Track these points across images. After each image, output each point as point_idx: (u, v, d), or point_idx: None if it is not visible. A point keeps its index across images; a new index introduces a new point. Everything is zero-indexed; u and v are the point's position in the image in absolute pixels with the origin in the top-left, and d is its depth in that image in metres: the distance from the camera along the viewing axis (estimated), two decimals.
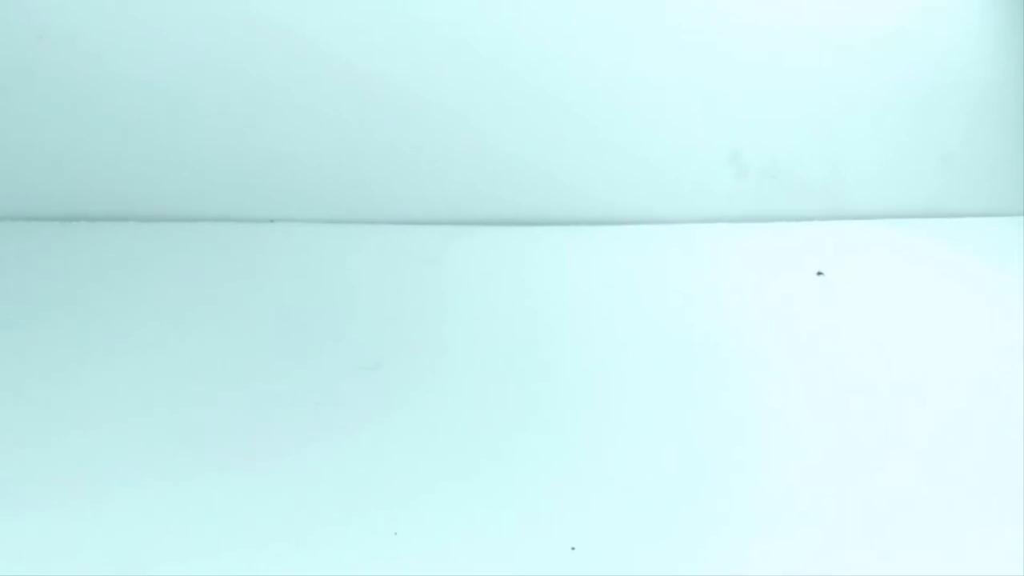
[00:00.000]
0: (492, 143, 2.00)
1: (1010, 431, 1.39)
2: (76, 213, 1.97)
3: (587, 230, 1.99)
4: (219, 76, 1.94)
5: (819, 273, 1.83)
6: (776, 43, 1.99)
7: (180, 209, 1.98)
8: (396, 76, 1.96)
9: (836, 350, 1.60)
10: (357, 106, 1.97)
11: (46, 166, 1.97)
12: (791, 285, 1.81)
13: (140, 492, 1.27)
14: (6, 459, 1.32)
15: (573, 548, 1.19)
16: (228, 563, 1.16)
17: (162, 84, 1.94)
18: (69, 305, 1.69)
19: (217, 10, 1.92)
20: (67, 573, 1.14)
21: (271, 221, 1.98)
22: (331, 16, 1.93)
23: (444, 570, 1.16)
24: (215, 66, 1.94)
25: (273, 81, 1.95)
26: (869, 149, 2.05)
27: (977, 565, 1.17)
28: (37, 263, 1.82)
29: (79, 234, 1.93)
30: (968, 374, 1.54)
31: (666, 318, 1.70)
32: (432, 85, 1.97)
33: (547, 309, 1.73)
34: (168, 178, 1.98)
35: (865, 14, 1.99)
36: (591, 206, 2.02)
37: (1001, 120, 2.04)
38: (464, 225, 1.99)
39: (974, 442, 1.38)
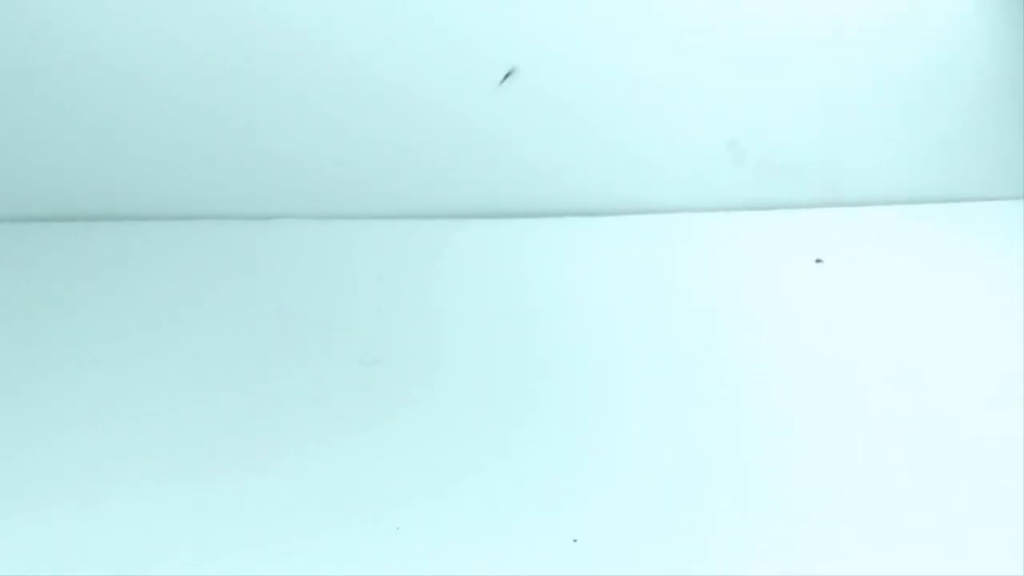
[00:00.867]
0: (488, 137, 2.00)
1: (1011, 415, 1.40)
2: (74, 213, 1.97)
3: (585, 221, 1.99)
4: (216, 75, 1.94)
5: (818, 261, 1.83)
6: (772, 30, 1.99)
7: (177, 208, 1.98)
8: (391, 72, 1.96)
9: (836, 338, 1.61)
10: (353, 103, 1.97)
11: (42, 167, 1.97)
12: (790, 273, 1.81)
13: (140, 491, 1.27)
14: (5, 459, 1.33)
15: (575, 540, 1.19)
16: (229, 561, 1.16)
17: (160, 83, 1.94)
18: (67, 305, 1.70)
19: (214, 8, 1.92)
20: (67, 573, 1.14)
21: (268, 218, 1.98)
22: (327, 13, 1.93)
23: (446, 565, 1.16)
24: (212, 65, 1.94)
25: (270, 79, 1.95)
26: (867, 135, 2.04)
27: (983, 552, 1.18)
28: (34, 264, 1.83)
29: (76, 234, 1.93)
30: (968, 359, 1.54)
31: (665, 307, 1.70)
32: (428, 81, 1.97)
33: (546, 301, 1.73)
34: (165, 177, 1.98)
35: (863, 1, 1.99)
36: (588, 197, 2.02)
37: (999, 105, 2.04)
38: (462, 218, 1.99)
39: (975, 427, 1.38)
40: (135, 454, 1.33)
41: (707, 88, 2.00)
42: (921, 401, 1.45)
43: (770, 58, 1.99)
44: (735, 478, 1.30)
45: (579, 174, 2.02)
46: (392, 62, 1.96)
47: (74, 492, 1.27)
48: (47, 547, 1.18)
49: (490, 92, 1.97)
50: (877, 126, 2.04)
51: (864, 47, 2.00)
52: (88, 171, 1.98)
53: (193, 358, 1.55)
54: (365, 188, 2.00)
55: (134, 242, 1.90)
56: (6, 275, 1.79)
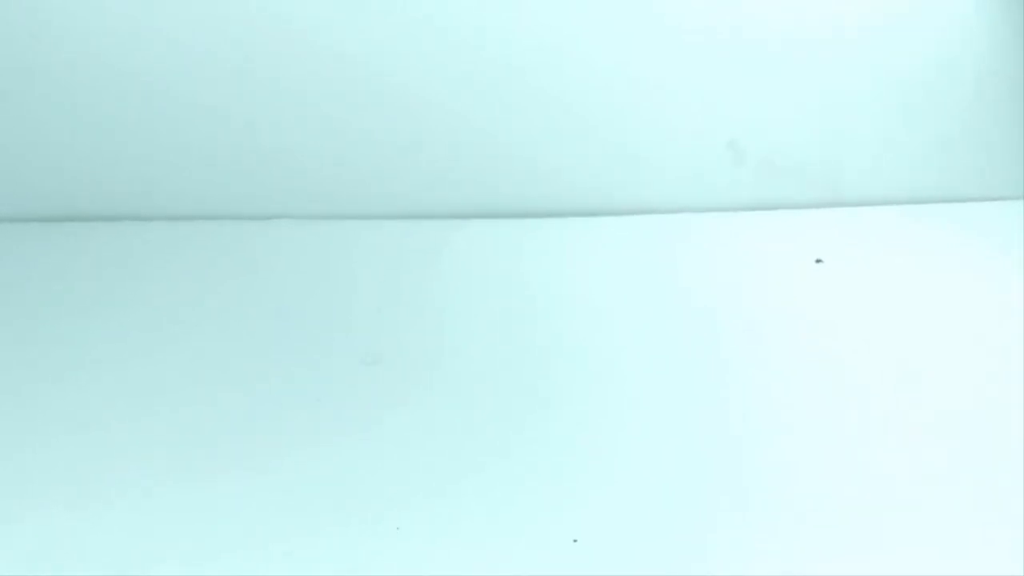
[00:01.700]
0: (488, 136, 2.00)
1: (1011, 414, 1.40)
2: (74, 214, 1.98)
3: (585, 221, 2.00)
4: (217, 75, 1.95)
5: (818, 261, 1.84)
6: (773, 31, 1.99)
7: (178, 208, 1.99)
8: (391, 73, 1.97)
9: (836, 337, 1.61)
10: (354, 104, 1.98)
11: (43, 167, 1.98)
12: (790, 273, 1.81)
13: (140, 491, 1.27)
14: (5, 460, 1.33)
15: (575, 540, 1.19)
16: (230, 561, 1.16)
17: (160, 83, 1.95)
18: (68, 305, 1.71)
19: (215, 8, 1.93)
20: (69, 574, 1.14)
21: (268, 218, 1.99)
22: (327, 13, 1.94)
23: (446, 565, 1.16)
24: (212, 65, 1.94)
25: (270, 80, 1.96)
26: (867, 136, 2.05)
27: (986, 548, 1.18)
28: (35, 264, 1.84)
29: (77, 234, 1.94)
30: (968, 358, 1.54)
31: (665, 307, 1.71)
32: (427, 81, 1.98)
33: (546, 301, 1.74)
34: (166, 177, 1.99)
35: (863, 1, 1.99)
36: (588, 197, 2.02)
37: (999, 105, 2.04)
38: (462, 219, 2.00)
39: (974, 426, 1.38)
40: (136, 454, 1.34)
41: (707, 89, 2.01)
42: (921, 399, 1.45)
43: (770, 59, 2.00)
44: (734, 478, 1.30)
45: (579, 174, 2.02)
46: (393, 63, 1.96)
47: (75, 492, 1.27)
48: (48, 547, 1.19)
49: (488, 92, 1.98)
50: (877, 126, 2.04)
51: (864, 47, 2.01)
52: (88, 171, 1.99)
53: (194, 358, 1.55)
54: (365, 188, 2.01)
55: (134, 242, 1.91)
56: (6, 275, 1.80)
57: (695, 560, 1.17)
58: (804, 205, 2.04)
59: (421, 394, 1.47)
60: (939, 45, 2.02)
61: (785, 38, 2.00)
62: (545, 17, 1.96)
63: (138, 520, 1.22)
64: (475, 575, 1.14)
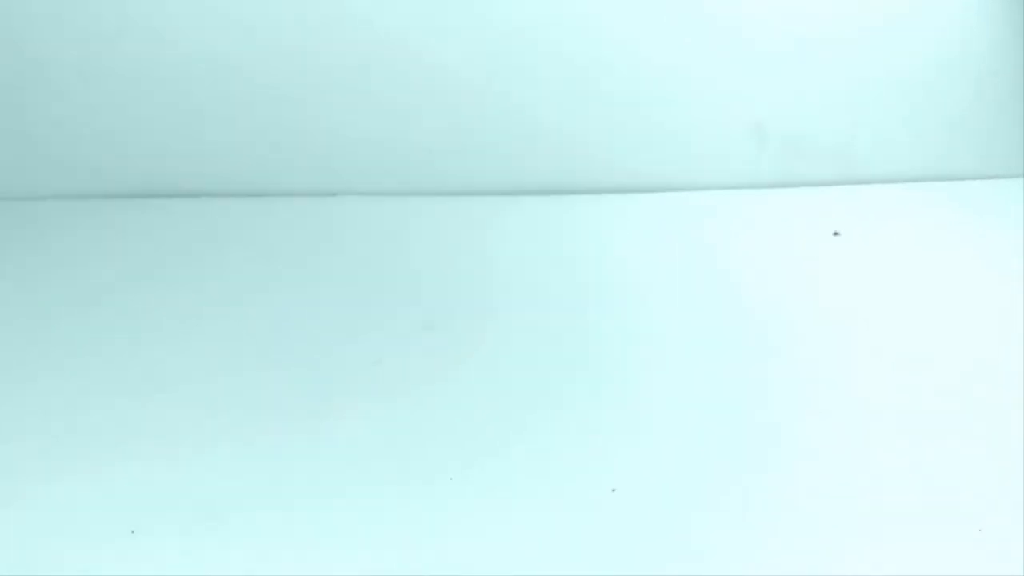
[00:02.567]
0: (533, 121, 2.02)
1: (1014, 383, 1.41)
2: (153, 190, 2.00)
3: (621, 198, 1.99)
4: (289, 65, 1.97)
5: (835, 233, 1.87)
6: (795, 20, 2.01)
7: (251, 185, 2.00)
8: (446, 62, 1.98)
9: (852, 302, 1.63)
10: (412, 91, 1.99)
11: (128, 146, 2.00)
12: (810, 244, 1.83)
13: (220, 444, 1.30)
14: (104, 412, 1.36)
15: (614, 490, 1.21)
16: (298, 509, 1.19)
17: (236, 69, 1.97)
18: (147, 279, 1.72)
19: (288, 2, 1.96)
20: (152, 522, 1.17)
21: (334, 195, 2.01)
22: (390, 6, 1.97)
23: (495, 513, 1.18)
24: (281, 53, 1.96)
25: (336, 68, 1.97)
26: (882, 118, 2.06)
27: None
28: (117, 239, 1.84)
29: (160, 210, 1.94)
30: (974, 327, 1.55)
31: (696, 276, 1.72)
32: (479, 69, 2.00)
33: (587, 271, 1.74)
34: (240, 157, 2.01)
35: None
36: (624, 175, 2.03)
37: (1001, 92, 2.06)
38: (510, 195, 2.01)
39: (981, 395, 1.39)
40: (217, 410, 1.36)
41: (734, 76, 2.01)
42: (930, 363, 1.46)
43: (793, 48, 2.01)
44: (760, 431, 1.32)
45: (616, 154, 2.03)
46: (447, 53, 1.98)
47: (162, 445, 1.30)
48: (139, 494, 1.21)
49: (535, 78, 2.00)
50: (888, 110, 2.05)
51: (877, 39, 2.01)
52: (174, 153, 2.00)
53: (267, 324, 1.57)
54: (421, 167, 2.02)
55: (212, 217, 1.91)
56: (92, 250, 1.79)
57: (724, 509, 1.18)
58: (822, 182, 2.04)
59: (473, 358, 1.48)
60: (945, 36, 2.02)
61: (807, 29, 1.99)
62: (586, 11, 1.98)
63: (218, 469, 1.25)
64: (522, 523, 1.16)
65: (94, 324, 1.57)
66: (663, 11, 1.98)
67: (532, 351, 1.50)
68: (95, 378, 1.44)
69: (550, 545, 1.13)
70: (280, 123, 2.00)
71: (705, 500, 1.20)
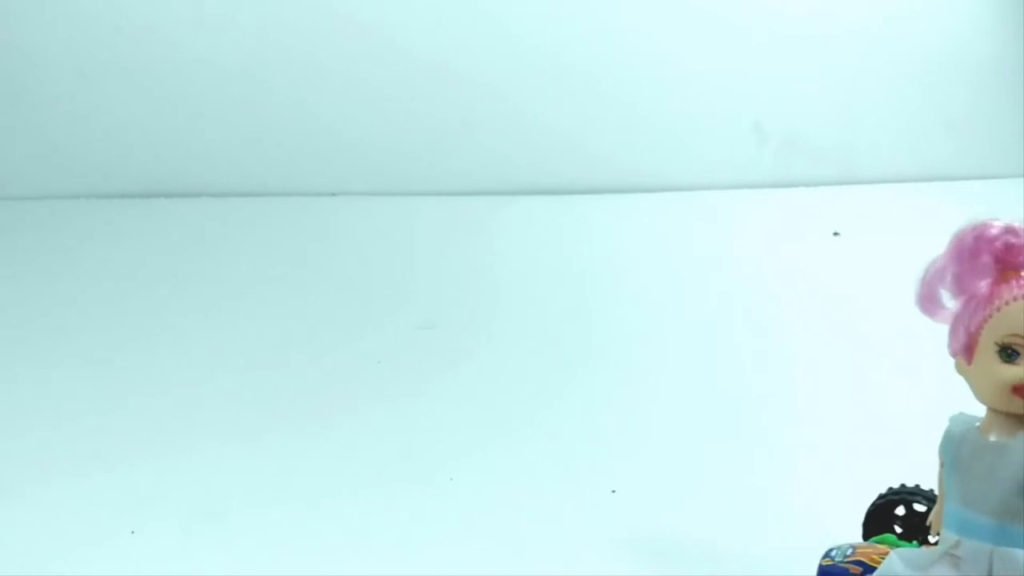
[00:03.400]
0: (533, 120, 2.05)
1: None
2: (153, 190, 2.02)
3: (621, 197, 2.03)
4: (290, 66, 2.01)
5: (835, 233, 1.88)
6: (794, 21, 2.04)
7: (251, 185, 2.02)
8: (446, 62, 2.01)
9: (851, 299, 1.64)
10: (411, 91, 2.02)
11: (128, 146, 2.02)
12: (810, 243, 1.84)
13: (221, 441, 1.30)
14: (109, 409, 1.37)
15: (613, 491, 1.20)
16: (299, 508, 1.18)
17: (236, 69, 2.00)
18: (148, 278, 1.74)
19: (287, 3, 1.98)
20: (152, 522, 1.16)
21: (334, 195, 2.03)
22: (390, 7, 1.99)
23: (495, 512, 1.17)
24: (286, 56, 2.00)
25: (338, 72, 2.01)
26: (880, 119, 2.09)
27: None
28: (117, 239, 1.87)
29: (156, 211, 1.97)
30: None
31: (697, 273, 1.74)
32: (478, 70, 2.02)
33: (586, 270, 1.77)
34: (240, 157, 2.03)
35: None
36: (626, 175, 2.06)
37: (999, 94, 2.08)
38: (510, 195, 2.02)
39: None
40: (219, 406, 1.37)
41: (734, 78, 2.07)
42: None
43: (792, 50, 2.06)
44: (759, 431, 1.31)
45: (618, 155, 2.07)
46: (445, 53, 2.02)
47: (162, 444, 1.29)
48: (141, 494, 1.20)
49: (534, 79, 2.02)
50: (888, 111, 2.09)
51: (876, 40, 2.06)
52: (174, 153, 2.04)
53: (267, 322, 1.59)
54: (422, 167, 2.04)
55: (214, 216, 1.95)
56: (98, 248, 1.82)
57: (722, 510, 1.17)
58: (822, 182, 2.08)
59: (472, 357, 1.49)
60: (945, 36, 2.06)
61: (806, 32, 2.04)
62: (586, 11, 2.00)
63: (219, 468, 1.24)
64: (522, 523, 1.15)
65: (94, 324, 1.59)
66: (663, 12, 2.02)
67: (532, 351, 1.51)
68: (95, 377, 1.45)
69: (550, 545, 1.13)
70: (280, 123, 2.03)
71: (705, 501, 1.20)
